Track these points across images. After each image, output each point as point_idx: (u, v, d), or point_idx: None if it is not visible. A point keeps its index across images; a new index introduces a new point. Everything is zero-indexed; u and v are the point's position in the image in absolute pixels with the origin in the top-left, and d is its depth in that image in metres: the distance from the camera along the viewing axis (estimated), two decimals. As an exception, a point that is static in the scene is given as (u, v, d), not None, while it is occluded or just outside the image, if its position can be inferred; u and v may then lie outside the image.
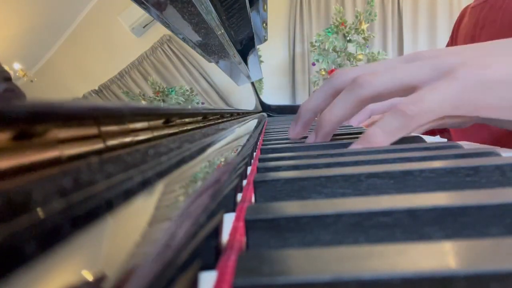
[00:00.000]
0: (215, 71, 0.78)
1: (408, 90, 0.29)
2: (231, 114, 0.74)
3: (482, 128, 0.66)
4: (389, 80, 0.30)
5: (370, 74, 0.30)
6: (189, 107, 0.49)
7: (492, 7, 0.74)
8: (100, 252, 0.08)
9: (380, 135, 0.28)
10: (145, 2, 0.39)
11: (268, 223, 0.12)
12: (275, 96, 3.75)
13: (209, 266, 0.10)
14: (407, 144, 0.29)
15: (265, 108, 1.81)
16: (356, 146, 0.29)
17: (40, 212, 0.07)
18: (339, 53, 3.16)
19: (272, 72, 3.78)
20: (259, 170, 0.22)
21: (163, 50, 0.45)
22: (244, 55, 1.04)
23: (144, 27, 0.40)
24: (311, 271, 0.08)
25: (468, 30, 0.81)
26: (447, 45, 0.98)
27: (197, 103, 0.57)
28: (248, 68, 1.11)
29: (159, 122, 0.25)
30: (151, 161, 0.15)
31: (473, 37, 0.79)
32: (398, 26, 3.72)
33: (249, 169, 0.26)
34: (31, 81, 0.19)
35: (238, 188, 0.19)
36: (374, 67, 0.32)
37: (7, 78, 0.16)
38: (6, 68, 0.17)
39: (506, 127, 0.42)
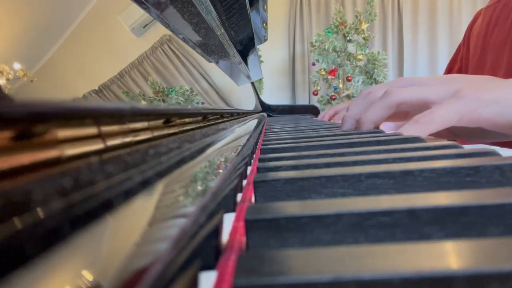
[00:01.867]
0: (215, 71, 0.78)
1: (423, 105, 0.39)
2: (231, 114, 0.74)
3: None
4: (411, 93, 0.40)
5: (398, 88, 0.41)
6: (189, 107, 0.49)
7: (505, 6, 0.75)
8: (100, 252, 0.08)
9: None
10: (145, 2, 0.39)
11: (268, 223, 0.12)
12: (275, 96, 3.75)
13: (209, 266, 0.10)
14: (407, 144, 0.29)
15: (265, 108, 1.81)
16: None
17: (40, 212, 0.07)
18: (339, 53, 3.16)
19: (272, 72, 3.78)
20: (259, 170, 0.22)
21: (163, 50, 0.45)
22: (244, 55, 1.04)
23: (144, 27, 0.40)
24: (311, 271, 0.08)
25: (481, 29, 0.82)
26: (458, 48, 0.99)
27: (197, 103, 0.57)
28: (248, 68, 1.11)
29: (159, 122, 0.25)
30: (151, 161, 0.15)
31: (486, 36, 0.80)
32: (398, 26, 3.72)
33: (249, 169, 0.26)
34: (31, 81, 0.19)
35: (238, 188, 0.19)
36: (399, 83, 0.44)
37: None
38: (7, 68, 0.17)
39: None
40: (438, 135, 0.44)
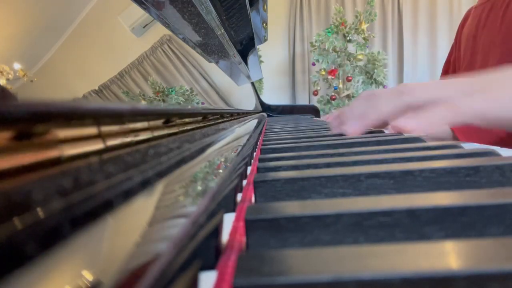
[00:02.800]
0: (215, 71, 0.78)
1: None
2: (231, 114, 0.74)
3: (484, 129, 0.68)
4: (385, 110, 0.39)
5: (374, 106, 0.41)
6: (189, 107, 0.49)
7: (494, 6, 0.74)
8: (100, 252, 0.08)
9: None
10: (145, 2, 0.39)
11: (268, 223, 0.12)
12: (275, 96, 3.75)
13: (209, 266, 0.10)
14: (407, 144, 0.29)
15: (265, 108, 1.81)
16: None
17: (40, 212, 0.07)
18: (339, 53, 3.16)
19: (272, 72, 3.78)
20: (259, 170, 0.22)
21: (163, 50, 0.45)
22: (244, 55, 1.04)
23: (144, 27, 0.40)
24: (311, 271, 0.08)
25: (471, 30, 0.81)
26: (451, 50, 0.98)
27: (197, 103, 0.57)
28: (248, 68, 1.11)
29: (159, 122, 0.25)
30: (151, 161, 0.15)
31: (475, 37, 0.79)
32: (398, 26, 3.72)
33: (249, 169, 0.26)
34: (31, 81, 0.19)
35: (238, 188, 0.19)
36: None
37: None
38: (7, 68, 0.17)
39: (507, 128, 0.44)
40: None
